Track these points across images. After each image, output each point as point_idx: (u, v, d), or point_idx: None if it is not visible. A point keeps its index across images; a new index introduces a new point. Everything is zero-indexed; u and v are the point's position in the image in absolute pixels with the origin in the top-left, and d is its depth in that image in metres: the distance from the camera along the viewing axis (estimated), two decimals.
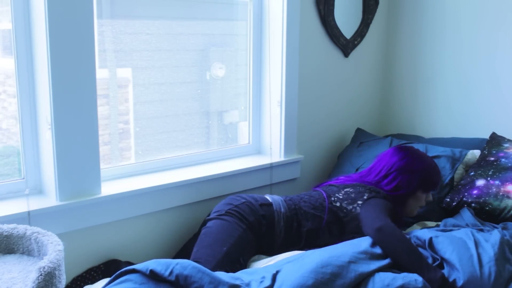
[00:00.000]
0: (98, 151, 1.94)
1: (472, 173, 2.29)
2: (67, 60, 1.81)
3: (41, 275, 1.31)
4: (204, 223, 1.96)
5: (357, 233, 1.91)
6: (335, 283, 1.53)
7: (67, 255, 1.65)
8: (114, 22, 2.11)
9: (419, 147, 2.48)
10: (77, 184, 1.91)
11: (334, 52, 2.77)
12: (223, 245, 1.79)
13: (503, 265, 1.69)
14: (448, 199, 2.25)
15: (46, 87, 1.81)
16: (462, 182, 2.29)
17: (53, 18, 1.76)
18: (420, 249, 1.77)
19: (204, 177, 2.27)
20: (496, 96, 2.62)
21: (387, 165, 2.12)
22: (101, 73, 2.10)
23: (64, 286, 1.43)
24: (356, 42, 2.84)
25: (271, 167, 2.54)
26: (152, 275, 1.47)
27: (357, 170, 2.54)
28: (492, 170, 2.24)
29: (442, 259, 1.72)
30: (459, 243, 1.73)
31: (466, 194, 2.20)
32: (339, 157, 2.74)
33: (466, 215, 2.08)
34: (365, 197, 1.98)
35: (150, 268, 1.47)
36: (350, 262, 1.60)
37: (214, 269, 1.66)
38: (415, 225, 2.17)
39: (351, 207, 1.97)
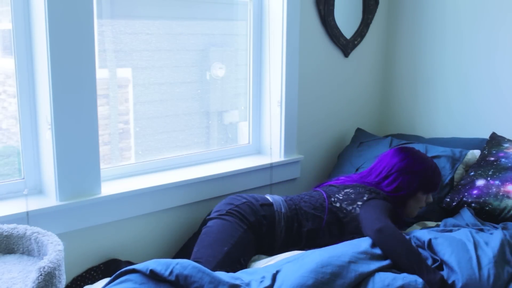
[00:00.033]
0: (98, 151, 1.94)
1: (472, 173, 2.29)
2: (67, 60, 1.81)
3: (41, 275, 1.31)
4: (205, 222, 1.96)
5: (357, 233, 1.91)
6: (335, 283, 1.53)
7: (67, 255, 1.65)
8: (114, 22, 2.11)
9: (419, 147, 2.48)
10: (77, 184, 1.91)
11: (334, 52, 2.77)
12: (224, 245, 1.79)
13: (503, 267, 1.68)
14: (448, 199, 2.25)
15: (46, 87, 1.81)
16: (462, 182, 2.29)
17: (53, 18, 1.76)
18: (420, 250, 1.77)
19: (204, 177, 2.27)
20: (496, 96, 2.62)
21: (387, 166, 2.12)
22: (101, 73, 2.10)
23: (64, 286, 1.43)
24: (356, 42, 2.84)
25: (271, 167, 2.54)
26: (152, 275, 1.47)
27: (357, 170, 2.54)
28: (492, 170, 2.24)
29: (441, 261, 1.72)
30: (458, 245, 1.73)
31: (466, 194, 2.20)
32: (339, 157, 2.74)
33: (466, 215, 2.08)
34: (364, 198, 1.98)
35: (150, 268, 1.47)
36: (350, 262, 1.60)
37: (214, 269, 1.66)
38: (415, 225, 2.17)
39: (350, 207, 1.97)
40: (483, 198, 2.15)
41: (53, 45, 1.77)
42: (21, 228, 1.56)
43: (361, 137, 2.78)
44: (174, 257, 2.09)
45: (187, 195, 2.25)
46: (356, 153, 2.66)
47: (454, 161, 2.41)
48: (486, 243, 1.75)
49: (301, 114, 2.66)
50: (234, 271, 1.65)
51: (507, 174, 2.19)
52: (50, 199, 1.89)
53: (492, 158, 2.31)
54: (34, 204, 1.84)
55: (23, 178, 1.93)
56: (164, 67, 2.29)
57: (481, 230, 1.92)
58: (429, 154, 2.43)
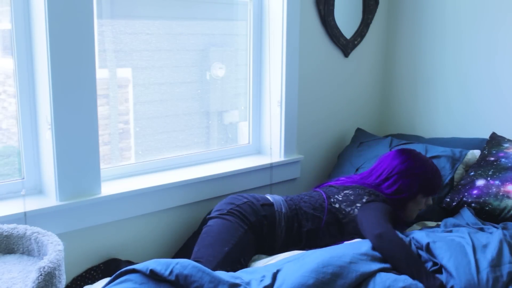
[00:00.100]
0: (98, 151, 1.94)
1: (472, 173, 2.29)
2: (67, 60, 1.81)
3: (41, 275, 1.31)
4: (205, 221, 1.96)
5: (356, 234, 1.91)
6: (336, 283, 1.53)
7: (67, 255, 1.65)
8: (114, 22, 2.11)
9: (419, 147, 2.48)
10: (77, 184, 1.91)
11: (334, 52, 2.77)
12: (225, 245, 1.79)
13: (502, 269, 1.67)
14: (448, 199, 2.25)
15: (46, 87, 1.81)
16: (462, 182, 2.29)
17: (53, 18, 1.75)
18: (420, 252, 1.76)
19: (204, 177, 2.27)
20: (496, 96, 2.62)
21: (388, 168, 2.11)
22: (101, 73, 2.10)
23: (64, 286, 1.43)
24: (356, 42, 2.84)
25: (271, 167, 2.54)
26: (152, 275, 1.47)
27: (357, 170, 2.54)
28: (492, 170, 2.24)
29: (440, 265, 1.72)
30: (456, 249, 1.71)
31: (466, 194, 2.20)
32: (339, 157, 2.74)
33: (466, 214, 2.07)
34: (364, 200, 1.98)
35: (150, 268, 1.47)
36: (351, 262, 1.60)
37: (215, 269, 1.66)
38: (415, 225, 2.17)
39: (349, 209, 1.97)
40: (483, 198, 2.15)
41: (53, 45, 1.77)
42: (21, 228, 1.56)
43: (361, 137, 2.78)
44: (174, 257, 2.09)
45: (187, 195, 2.25)
46: (356, 153, 2.66)
47: (454, 161, 2.41)
48: (485, 245, 1.74)
49: (301, 114, 2.66)
50: (235, 271, 1.65)
51: (507, 174, 2.18)
52: (50, 199, 1.89)
53: (492, 158, 2.31)
54: (34, 204, 1.84)
55: (23, 178, 1.93)
56: (164, 67, 2.29)
57: (481, 229, 1.92)
58: (429, 154, 2.43)
